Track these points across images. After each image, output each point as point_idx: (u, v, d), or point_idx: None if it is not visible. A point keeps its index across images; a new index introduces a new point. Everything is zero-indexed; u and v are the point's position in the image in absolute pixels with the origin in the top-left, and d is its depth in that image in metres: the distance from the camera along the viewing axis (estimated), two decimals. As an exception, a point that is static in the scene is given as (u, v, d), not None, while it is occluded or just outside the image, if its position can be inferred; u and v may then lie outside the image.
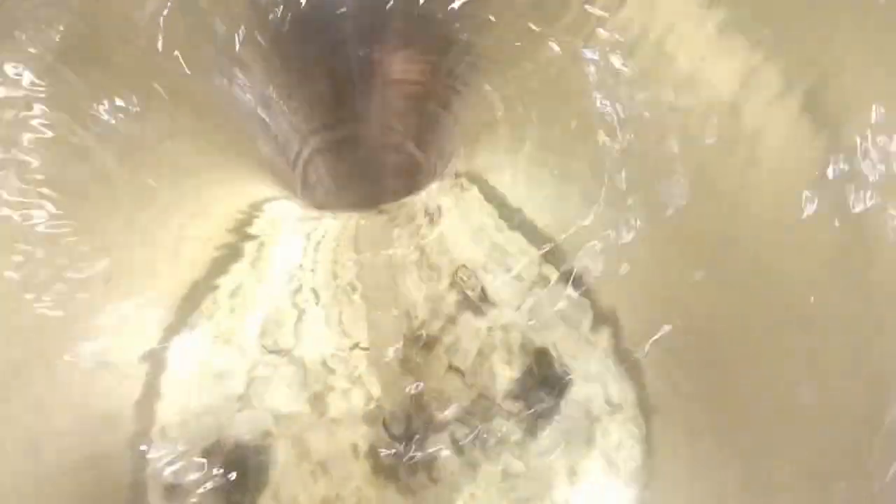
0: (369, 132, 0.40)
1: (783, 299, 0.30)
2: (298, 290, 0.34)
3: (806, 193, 0.29)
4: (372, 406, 0.32)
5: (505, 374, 0.32)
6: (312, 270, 0.34)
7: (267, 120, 0.37)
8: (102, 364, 0.30)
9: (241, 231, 0.34)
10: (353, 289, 0.34)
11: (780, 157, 0.31)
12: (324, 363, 0.33)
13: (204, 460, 0.30)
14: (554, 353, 0.33)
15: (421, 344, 0.33)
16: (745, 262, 0.31)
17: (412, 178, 0.38)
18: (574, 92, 0.33)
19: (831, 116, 0.30)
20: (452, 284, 0.34)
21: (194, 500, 0.29)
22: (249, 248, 0.34)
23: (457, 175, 0.35)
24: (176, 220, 0.33)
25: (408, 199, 0.36)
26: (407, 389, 0.32)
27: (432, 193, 0.36)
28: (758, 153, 0.31)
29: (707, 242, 0.31)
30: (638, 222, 0.32)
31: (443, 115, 0.38)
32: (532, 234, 0.34)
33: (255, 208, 0.35)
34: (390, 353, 0.32)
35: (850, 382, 0.29)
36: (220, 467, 0.30)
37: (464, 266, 0.33)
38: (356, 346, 0.33)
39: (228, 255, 0.34)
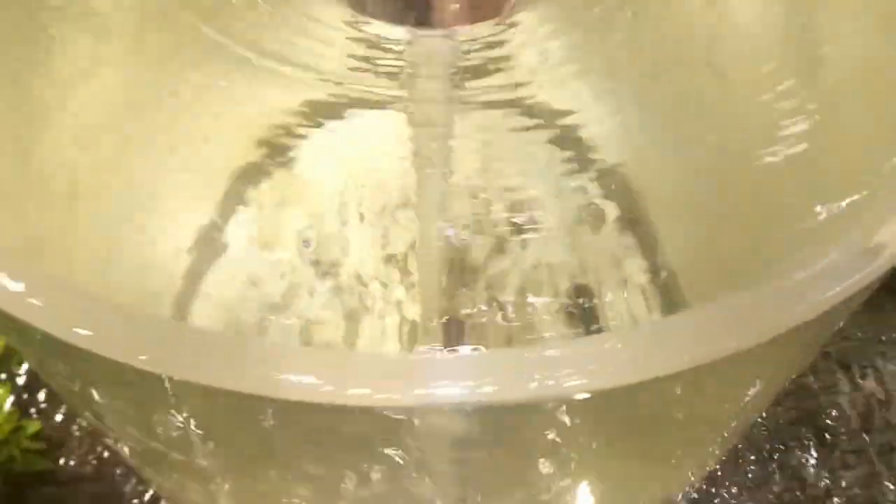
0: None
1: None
2: (343, 194, 0.33)
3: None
4: (405, 332, 0.31)
5: (547, 312, 0.32)
6: (360, 185, 0.33)
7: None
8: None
9: (285, 128, 0.32)
10: (399, 204, 0.33)
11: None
12: (360, 278, 0.32)
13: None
14: (595, 290, 0.32)
15: (463, 266, 0.32)
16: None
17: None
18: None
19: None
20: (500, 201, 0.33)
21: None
22: (290, 150, 0.33)
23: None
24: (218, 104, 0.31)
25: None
26: (444, 318, 0.31)
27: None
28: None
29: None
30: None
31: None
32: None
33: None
34: (433, 278, 0.31)
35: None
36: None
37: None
38: (392, 258, 0.32)
39: (271, 155, 0.32)
